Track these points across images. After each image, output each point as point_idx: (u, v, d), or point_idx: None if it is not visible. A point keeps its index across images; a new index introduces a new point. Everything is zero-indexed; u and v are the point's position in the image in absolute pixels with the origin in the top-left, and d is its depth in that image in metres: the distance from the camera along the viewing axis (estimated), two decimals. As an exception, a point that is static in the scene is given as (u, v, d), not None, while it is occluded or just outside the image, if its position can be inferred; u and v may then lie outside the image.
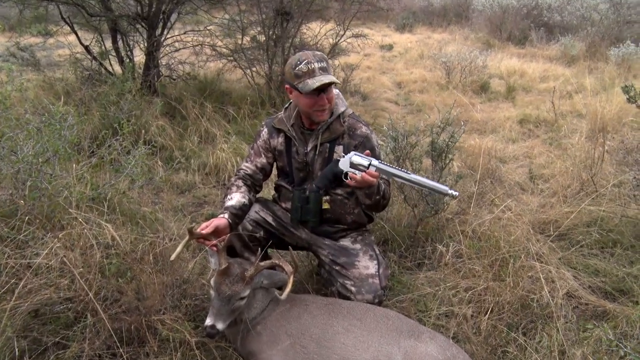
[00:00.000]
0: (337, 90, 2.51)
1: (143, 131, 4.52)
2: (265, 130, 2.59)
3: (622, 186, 3.92)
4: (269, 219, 2.60)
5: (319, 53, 2.36)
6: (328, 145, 2.48)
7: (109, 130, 4.15)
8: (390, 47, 12.52)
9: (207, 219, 2.71)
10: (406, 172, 2.21)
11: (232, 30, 6.50)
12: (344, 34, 6.94)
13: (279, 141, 2.55)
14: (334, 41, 6.98)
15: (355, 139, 2.48)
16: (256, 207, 2.61)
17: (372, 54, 11.24)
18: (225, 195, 2.46)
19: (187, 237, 2.19)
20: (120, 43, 6.19)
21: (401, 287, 2.87)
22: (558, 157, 4.99)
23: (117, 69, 6.20)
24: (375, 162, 2.24)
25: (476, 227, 2.96)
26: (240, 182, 2.51)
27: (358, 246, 2.54)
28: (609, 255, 3.28)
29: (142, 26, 5.99)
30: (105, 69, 6.14)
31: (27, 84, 5.85)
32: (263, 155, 2.58)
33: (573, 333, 2.50)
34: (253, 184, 2.56)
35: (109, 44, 6.24)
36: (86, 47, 6.10)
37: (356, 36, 7.02)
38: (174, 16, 6.26)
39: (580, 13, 12.90)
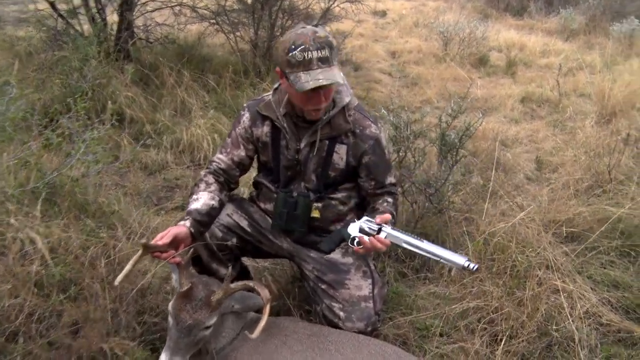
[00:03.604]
0: (342, 75, 2.00)
1: (109, 102, 4.02)
2: (248, 115, 2.10)
3: (641, 182, 3.54)
4: (244, 224, 2.16)
5: (322, 34, 1.83)
6: (327, 142, 2.02)
7: (66, 103, 3.65)
8: (383, 14, 11.92)
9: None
10: (419, 240, 1.88)
11: (214, -11, 5.92)
12: (338, -2, 6.39)
13: (264, 131, 2.07)
14: (326, 5, 6.43)
15: (364, 141, 2.03)
16: (229, 208, 2.16)
17: (365, 21, 10.64)
18: (192, 194, 2.02)
19: (139, 253, 1.76)
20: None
21: (398, 301, 2.47)
22: (566, 143, 4.60)
23: (89, 29, 5.61)
24: (386, 228, 1.92)
25: (487, 234, 2.56)
26: (210, 178, 2.06)
27: (349, 260, 2.12)
28: (629, 264, 2.91)
29: (114, -19, 5.40)
30: (74, 28, 5.55)
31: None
32: (242, 147, 2.10)
33: (598, 364, 2.14)
34: (227, 181, 2.11)
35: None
36: (51, 3, 5.49)
37: (350, 1, 6.47)
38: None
39: (583, -16, 12.34)
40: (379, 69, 7.24)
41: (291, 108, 2.00)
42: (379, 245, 1.87)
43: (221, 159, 2.10)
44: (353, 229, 1.99)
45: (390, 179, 2.11)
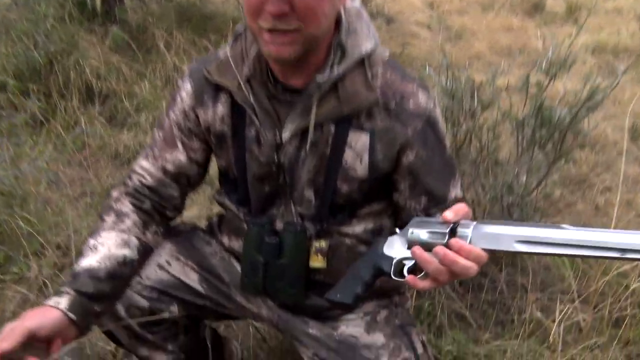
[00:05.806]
0: (357, 4, 1.05)
1: (73, 75, 3.19)
2: (189, 87, 1.13)
3: None
4: (192, 280, 1.22)
5: None
6: (333, 128, 1.05)
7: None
8: (417, -41, 10.69)
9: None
10: (549, 227, 0.78)
11: None
12: (363, -64, 5.34)
13: (217, 113, 1.11)
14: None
15: (406, 123, 1.03)
16: (164, 252, 1.22)
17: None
18: (92, 233, 1.13)
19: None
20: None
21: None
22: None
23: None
24: (465, 225, 0.85)
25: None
26: (126, 204, 1.14)
27: (379, 339, 1.16)
28: None
29: None
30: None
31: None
32: (180, 145, 1.15)
33: None
34: (157, 207, 1.17)
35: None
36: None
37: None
38: None
39: None
40: (415, 21, 6.20)
41: (263, 65, 1.04)
42: (461, 261, 0.81)
43: (146, 168, 1.17)
44: (395, 246, 0.96)
45: (456, 192, 1.12)
